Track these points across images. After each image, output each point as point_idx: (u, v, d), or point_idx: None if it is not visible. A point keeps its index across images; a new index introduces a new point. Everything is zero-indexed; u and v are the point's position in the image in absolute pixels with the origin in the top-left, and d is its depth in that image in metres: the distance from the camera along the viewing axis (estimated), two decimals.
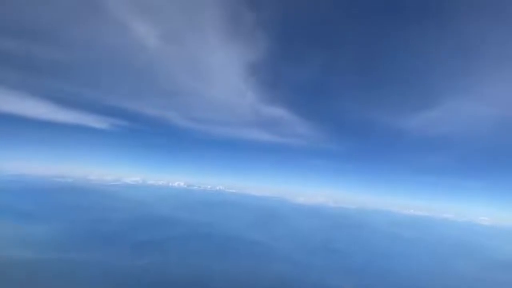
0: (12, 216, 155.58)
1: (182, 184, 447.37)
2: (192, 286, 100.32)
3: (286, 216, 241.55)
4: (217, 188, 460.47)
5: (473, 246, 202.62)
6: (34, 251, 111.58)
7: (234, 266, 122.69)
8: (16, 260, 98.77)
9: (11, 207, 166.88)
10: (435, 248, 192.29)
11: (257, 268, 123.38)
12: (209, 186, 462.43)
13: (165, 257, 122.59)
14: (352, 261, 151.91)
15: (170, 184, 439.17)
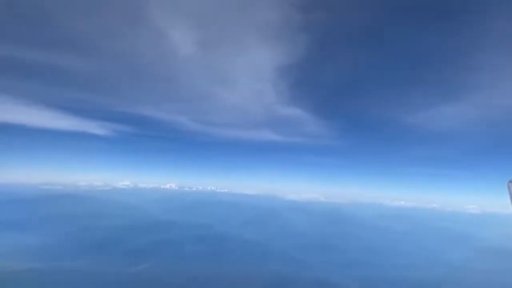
0: (2, 226, 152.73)
1: (173, 186, 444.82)
2: None
3: (279, 213, 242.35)
4: (209, 188, 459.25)
5: (464, 236, 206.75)
6: (26, 261, 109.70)
7: (232, 267, 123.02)
8: (8, 271, 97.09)
9: (2, 217, 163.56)
10: (427, 240, 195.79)
11: (255, 267, 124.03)
12: (200, 187, 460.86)
13: (161, 261, 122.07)
14: (347, 256, 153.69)
15: (162, 186, 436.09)
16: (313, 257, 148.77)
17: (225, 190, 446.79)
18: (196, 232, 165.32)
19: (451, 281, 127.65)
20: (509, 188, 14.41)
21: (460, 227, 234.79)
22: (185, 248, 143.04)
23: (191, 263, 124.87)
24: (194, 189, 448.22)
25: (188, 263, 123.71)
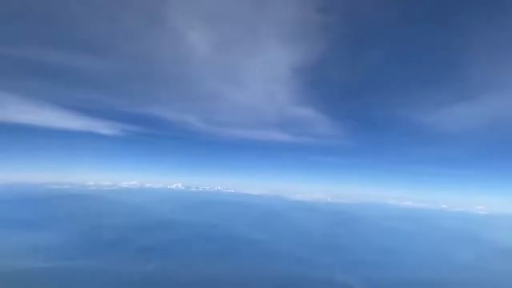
0: (13, 225, 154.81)
1: (180, 186, 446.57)
2: None
3: (286, 214, 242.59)
4: (216, 188, 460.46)
5: (472, 236, 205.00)
6: (37, 260, 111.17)
7: (240, 266, 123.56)
8: (20, 270, 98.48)
9: (11, 216, 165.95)
10: (435, 240, 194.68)
11: (263, 267, 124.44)
12: (207, 187, 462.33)
13: (169, 260, 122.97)
14: (355, 256, 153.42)
15: (168, 186, 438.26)
16: (321, 257, 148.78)
17: (232, 190, 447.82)
18: (204, 232, 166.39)
19: (461, 282, 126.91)
20: None
21: (469, 228, 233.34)
22: (193, 247, 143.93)
23: (199, 262, 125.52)
24: (200, 189, 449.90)
25: (196, 262, 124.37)
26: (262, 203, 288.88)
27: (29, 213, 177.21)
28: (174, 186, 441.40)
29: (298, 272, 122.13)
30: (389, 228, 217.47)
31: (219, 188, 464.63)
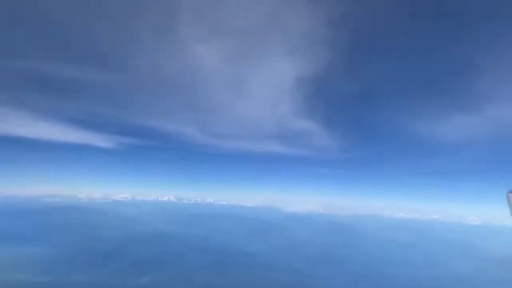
0: (5, 239, 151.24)
1: (171, 198, 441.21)
2: None
3: (280, 225, 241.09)
4: (207, 200, 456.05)
5: (466, 247, 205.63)
6: (30, 274, 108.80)
7: (235, 279, 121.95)
8: (13, 284, 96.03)
9: (4, 229, 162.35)
10: (430, 251, 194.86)
11: (258, 279, 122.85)
12: (199, 199, 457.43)
13: (165, 274, 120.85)
14: (351, 268, 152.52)
15: (160, 199, 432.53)
16: (316, 268, 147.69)
17: (224, 202, 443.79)
18: (199, 244, 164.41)
19: None
20: (508, 198, 14.29)
21: (462, 238, 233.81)
22: (188, 260, 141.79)
23: (194, 274, 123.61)
24: (192, 201, 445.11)
25: (191, 275, 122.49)
26: (256, 215, 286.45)
27: (22, 226, 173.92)
28: (165, 198, 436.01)
29: (294, 284, 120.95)
30: (384, 239, 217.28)
31: (211, 200, 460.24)
